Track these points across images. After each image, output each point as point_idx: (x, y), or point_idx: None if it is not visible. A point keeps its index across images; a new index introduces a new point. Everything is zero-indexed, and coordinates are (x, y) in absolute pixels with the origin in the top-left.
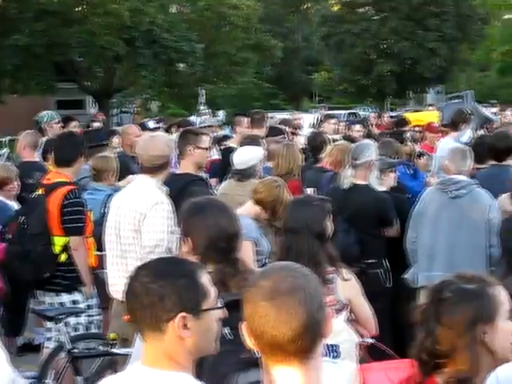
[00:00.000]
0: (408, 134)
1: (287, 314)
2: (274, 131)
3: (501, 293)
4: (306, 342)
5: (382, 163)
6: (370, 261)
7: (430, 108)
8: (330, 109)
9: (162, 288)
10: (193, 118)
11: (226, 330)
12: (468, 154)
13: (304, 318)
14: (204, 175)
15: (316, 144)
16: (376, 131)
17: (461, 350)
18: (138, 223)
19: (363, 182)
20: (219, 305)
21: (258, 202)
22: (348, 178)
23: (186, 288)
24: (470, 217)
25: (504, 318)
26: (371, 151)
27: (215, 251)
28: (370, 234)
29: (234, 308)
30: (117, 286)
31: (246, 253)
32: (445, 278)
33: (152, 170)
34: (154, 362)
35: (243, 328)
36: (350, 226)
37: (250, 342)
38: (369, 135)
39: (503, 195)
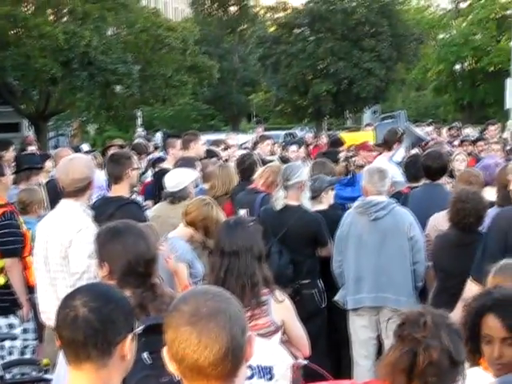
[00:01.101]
0: (341, 154)
1: (208, 338)
2: (208, 153)
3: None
4: (227, 366)
5: (322, 181)
6: (304, 281)
7: (368, 128)
8: (267, 129)
9: (114, 311)
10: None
11: (145, 355)
12: (386, 174)
13: (225, 342)
14: (139, 198)
15: (245, 166)
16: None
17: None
18: (65, 250)
19: (295, 203)
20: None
21: (189, 224)
22: (280, 199)
23: (128, 310)
24: (392, 237)
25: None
26: (302, 172)
27: (133, 276)
28: (304, 254)
29: (152, 332)
30: (48, 314)
31: (181, 275)
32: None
33: (74, 193)
34: None
35: (164, 353)
36: (284, 247)
37: (171, 366)
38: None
39: (440, 213)
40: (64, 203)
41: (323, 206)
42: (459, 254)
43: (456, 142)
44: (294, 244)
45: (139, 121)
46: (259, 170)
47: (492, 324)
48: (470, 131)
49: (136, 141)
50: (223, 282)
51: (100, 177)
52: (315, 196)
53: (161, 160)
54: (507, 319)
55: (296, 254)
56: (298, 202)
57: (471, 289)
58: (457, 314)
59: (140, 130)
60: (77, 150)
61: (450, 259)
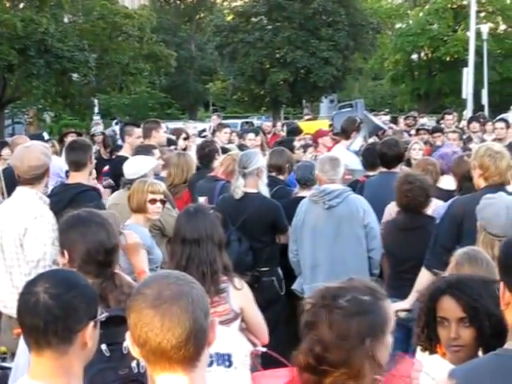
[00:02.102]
0: (296, 142)
1: (171, 321)
2: (168, 141)
3: (389, 307)
4: (190, 350)
5: (308, 168)
6: (263, 269)
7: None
8: (224, 118)
9: (75, 298)
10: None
11: (104, 347)
12: (339, 163)
13: (188, 326)
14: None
15: (205, 153)
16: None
17: (351, 361)
18: (20, 238)
19: (254, 190)
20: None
21: (134, 210)
22: (239, 187)
23: (91, 297)
24: (347, 225)
25: (389, 332)
26: (259, 159)
27: (93, 265)
28: (263, 241)
29: (111, 324)
30: (4, 302)
31: (140, 260)
32: (340, 285)
33: (30, 181)
34: (49, 376)
35: (127, 337)
36: (243, 235)
37: (134, 350)
38: (262, 144)
39: (392, 203)
40: (20, 191)
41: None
42: (409, 238)
43: (412, 132)
44: (254, 231)
45: (96, 109)
46: (220, 158)
47: (447, 306)
48: (426, 121)
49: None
50: (184, 270)
51: (56, 164)
52: (305, 183)
53: (118, 148)
54: (462, 299)
55: (255, 242)
56: (257, 189)
57: (424, 277)
58: (410, 301)
59: (96, 118)
60: (39, 137)
61: (400, 244)
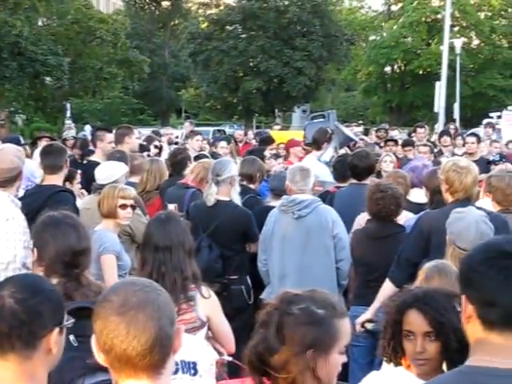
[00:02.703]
0: (266, 152)
1: (137, 328)
2: (141, 148)
3: (345, 325)
4: (155, 357)
5: (281, 178)
6: (232, 277)
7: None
8: (196, 125)
9: (41, 304)
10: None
11: (72, 337)
12: (309, 173)
13: (154, 333)
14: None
15: (177, 160)
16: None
17: (289, 368)
18: None
19: (226, 198)
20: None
21: (104, 215)
22: (212, 194)
23: (57, 303)
24: (316, 235)
25: (338, 351)
26: (232, 167)
27: (59, 265)
28: (233, 249)
29: (78, 316)
30: None
31: (109, 266)
32: (299, 292)
33: (3, 183)
34: (12, 380)
35: (92, 343)
36: (214, 242)
37: (99, 357)
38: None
39: (363, 213)
40: None
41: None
42: (379, 246)
43: (382, 144)
44: (224, 239)
45: (68, 113)
46: (191, 166)
47: (413, 319)
48: (397, 133)
49: (68, 133)
50: (156, 277)
51: (28, 167)
52: (279, 193)
53: (90, 152)
54: (429, 314)
55: (226, 249)
56: (229, 197)
57: (387, 289)
58: (372, 311)
59: (69, 123)
60: (15, 140)
61: (369, 252)
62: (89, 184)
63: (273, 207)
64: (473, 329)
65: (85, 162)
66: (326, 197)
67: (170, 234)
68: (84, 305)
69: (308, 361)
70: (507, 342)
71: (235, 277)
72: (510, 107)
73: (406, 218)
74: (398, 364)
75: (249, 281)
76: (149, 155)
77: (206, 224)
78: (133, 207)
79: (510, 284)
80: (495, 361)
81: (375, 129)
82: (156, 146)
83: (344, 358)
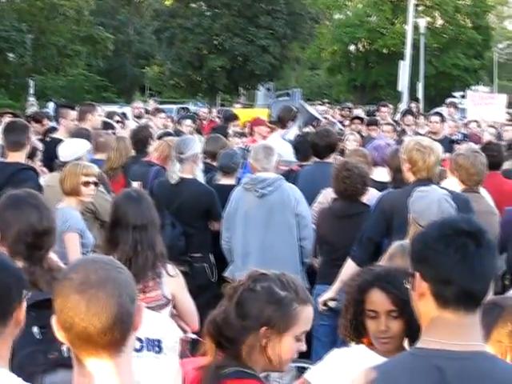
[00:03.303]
0: (230, 130)
1: (97, 306)
2: (105, 125)
3: (305, 313)
4: (116, 335)
5: (237, 156)
6: (195, 255)
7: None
8: (160, 103)
9: (9, 278)
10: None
11: (36, 329)
12: (272, 152)
13: (114, 311)
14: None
15: (139, 138)
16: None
17: (240, 342)
18: None
19: (190, 176)
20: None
21: (67, 192)
22: (175, 172)
23: (20, 277)
24: (279, 214)
25: (293, 335)
26: (196, 145)
27: (22, 246)
28: (196, 227)
29: (42, 307)
30: None
31: (72, 244)
32: (268, 272)
33: None
34: None
35: (53, 321)
36: (177, 220)
37: (60, 335)
38: (198, 130)
39: (327, 189)
40: None
41: (234, 181)
42: (344, 225)
43: (347, 122)
44: (188, 217)
45: (31, 90)
46: (155, 144)
47: (376, 298)
48: (361, 112)
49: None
50: (132, 255)
51: None
52: (231, 171)
53: (53, 130)
54: (391, 292)
55: (189, 227)
56: (193, 175)
57: (349, 268)
58: (335, 290)
59: (32, 100)
60: None
61: (335, 231)
62: (51, 161)
63: (222, 185)
64: (425, 307)
65: (47, 139)
66: (289, 175)
67: (144, 212)
68: (49, 296)
69: (260, 337)
70: (461, 320)
71: (198, 255)
72: (473, 87)
73: (371, 194)
74: (359, 343)
75: (212, 258)
76: (114, 133)
77: (169, 201)
78: (96, 184)
79: (466, 263)
80: (448, 343)
81: (339, 107)
82: (118, 121)
83: (302, 347)
